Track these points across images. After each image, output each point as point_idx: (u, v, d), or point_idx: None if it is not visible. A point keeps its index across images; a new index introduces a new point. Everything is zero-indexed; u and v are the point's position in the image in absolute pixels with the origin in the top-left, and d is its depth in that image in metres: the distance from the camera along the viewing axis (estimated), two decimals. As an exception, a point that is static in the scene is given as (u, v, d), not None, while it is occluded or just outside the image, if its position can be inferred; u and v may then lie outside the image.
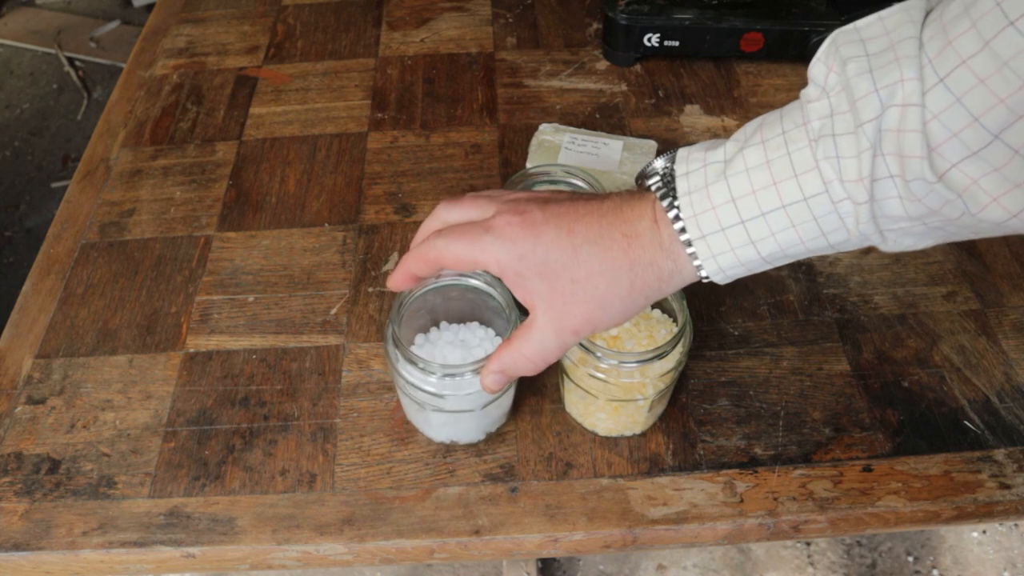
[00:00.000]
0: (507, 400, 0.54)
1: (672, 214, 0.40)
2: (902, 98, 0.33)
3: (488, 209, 0.45)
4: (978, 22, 0.31)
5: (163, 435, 0.57)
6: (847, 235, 0.38)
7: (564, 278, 0.42)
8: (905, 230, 0.37)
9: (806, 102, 0.38)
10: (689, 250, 0.40)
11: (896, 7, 0.35)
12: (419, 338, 0.55)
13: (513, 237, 0.42)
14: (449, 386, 0.49)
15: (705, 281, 0.42)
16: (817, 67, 0.37)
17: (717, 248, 0.40)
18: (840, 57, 0.36)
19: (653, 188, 0.42)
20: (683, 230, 0.40)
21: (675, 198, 0.40)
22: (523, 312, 0.46)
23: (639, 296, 0.42)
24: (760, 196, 0.38)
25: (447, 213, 0.47)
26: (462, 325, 0.55)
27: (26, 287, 0.67)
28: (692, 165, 0.41)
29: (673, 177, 0.41)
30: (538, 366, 0.45)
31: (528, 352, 0.44)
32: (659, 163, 0.42)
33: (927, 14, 0.35)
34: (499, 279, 0.51)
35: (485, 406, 0.51)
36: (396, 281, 0.48)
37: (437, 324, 0.56)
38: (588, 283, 0.41)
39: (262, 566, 0.53)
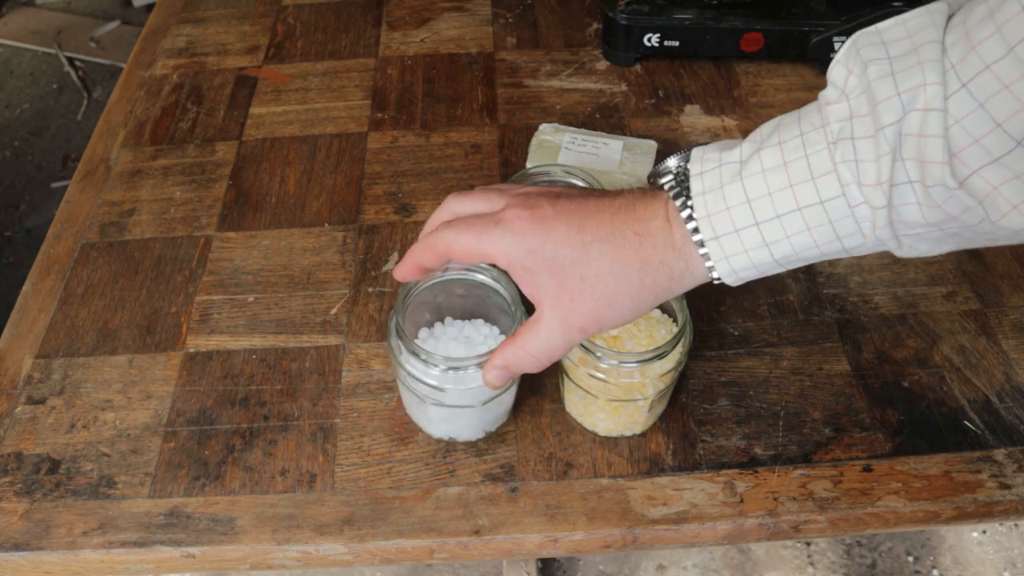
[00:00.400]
0: (508, 398, 0.54)
1: (685, 214, 0.40)
2: (924, 102, 0.33)
3: (498, 202, 0.44)
4: (1003, 27, 0.31)
5: (163, 435, 0.57)
6: (863, 240, 0.38)
7: (573, 275, 0.41)
8: (922, 236, 0.37)
9: (825, 104, 0.37)
10: (701, 251, 0.40)
11: (918, 10, 0.35)
12: (423, 332, 0.55)
13: (523, 231, 0.42)
14: (451, 379, 0.49)
15: (716, 282, 0.41)
16: (837, 69, 0.37)
17: (730, 249, 0.39)
18: (861, 59, 0.35)
19: (666, 187, 0.41)
20: (696, 230, 0.40)
21: (688, 198, 0.40)
22: (529, 309, 0.46)
23: (649, 295, 0.42)
24: (776, 198, 0.38)
25: (457, 205, 0.46)
26: (466, 322, 0.55)
27: (26, 287, 0.67)
28: (707, 165, 0.40)
29: (687, 176, 0.41)
30: (542, 363, 0.44)
31: (533, 349, 0.44)
32: (672, 162, 0.42)
33: (950, 18, 0.34)
34: (506, 274, 0.51)
35: (486, 402, 0.51)
36: (403, 271, 0.48)
37: (441, 320, 0.56)
38: (598, 280, 0.41)
39: (262, 566, 0.53)
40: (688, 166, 0.41)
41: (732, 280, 0.41)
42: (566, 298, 0.42)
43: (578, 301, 0.42)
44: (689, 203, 0.40)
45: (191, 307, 0.65)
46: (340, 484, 0.54)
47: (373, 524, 0.52)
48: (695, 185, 0.40)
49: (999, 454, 0.54)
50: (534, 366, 0.45)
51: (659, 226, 0.41)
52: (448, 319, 0.56)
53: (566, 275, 0.41)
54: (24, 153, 2.13)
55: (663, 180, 0.42)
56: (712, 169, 0.40)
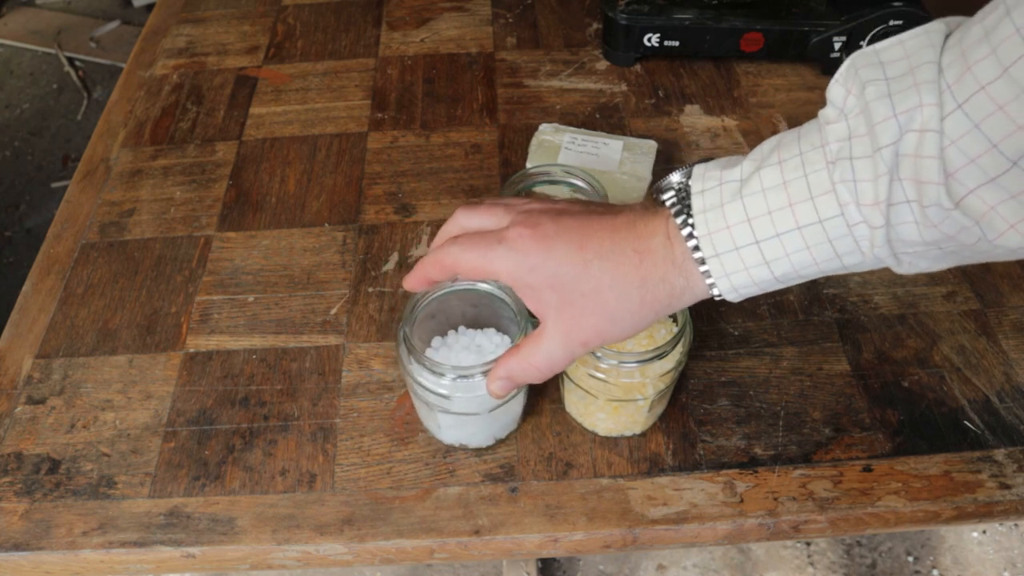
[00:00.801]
0: (517, 405, 0.54)
1: (686, 232, 0.40)
2: (920, 123, 0.33)
3: (503, 219, 0.45)
4: (998, 48, 0.31)
5: (163, 435, 0.57)
6: (861, 258, 0.38)
7: (574, 291, 0.42)
8: (920, 254, 0.37)
9: (824, 123, 0.38)
10: (702, 268, 0.40)
11: (916, 30, 0.35)
12: (435, 341, 0.55)
13: (524, 250, 0.43)
14: (460, 387, 0.49)
15: (717, 298, 0.42)
16: (836, 88, 0.37)
17: (731, 267, 0.40)
18: (859, 80, 0.36)
19: (668, 204, 0.42)
20: (696, 248, 0.40)
21: (690, 215, 0.41)
22: (535, 320, 0.46)
23: (649, 311, 0.42)
24: (775, 217, 0.38)
25: (465, 219, 0.48)
26: (477, 331, 0.55)
27: (26, 287, 0.67)
28: (708, 183, 0.41)
29: (688, 194, 0.41)
30: (544, 375, 0.45)
31: (536, 360, 0.45)
32: (675, 177, 0.43)
33: (947, 38, 0.34)
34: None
35: (492, 410, 0.51)
36: (412, 282, 0.49)
37: (455, 328, 0.56)
38: (598, 297, 0.42)
39: (262, 566, 0.53)
40: (689, 183, 0.42)
41: (733, 296, 0.41)
42: (568, 313, 0.43)
43: (579, 316, 0.43)
44: (690, 221, 0.40)
45: (191, 307, 0.65)
46: (340, 484, 0.54)
47: (373, 524, 0.52)
48: (696, 203, 0.40)
49: (999, 454, 0.54)
50: (536, 377, 0.46)
51: (660, 243, 0.41)
52: (461, 328, 0.56)
53: (567, 291, 0.42)
54: (24, 153, 2.13)
55: (665, 196, 0.42)
56: (713, 187, 0.40)
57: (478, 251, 0.44)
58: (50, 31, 2.47)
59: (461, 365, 0.50)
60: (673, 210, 0.41)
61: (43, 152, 2.13)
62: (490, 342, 0.55)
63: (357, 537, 0.52)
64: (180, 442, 0.57)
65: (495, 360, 0.48)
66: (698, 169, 0.42)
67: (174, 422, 0.58)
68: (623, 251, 0.42)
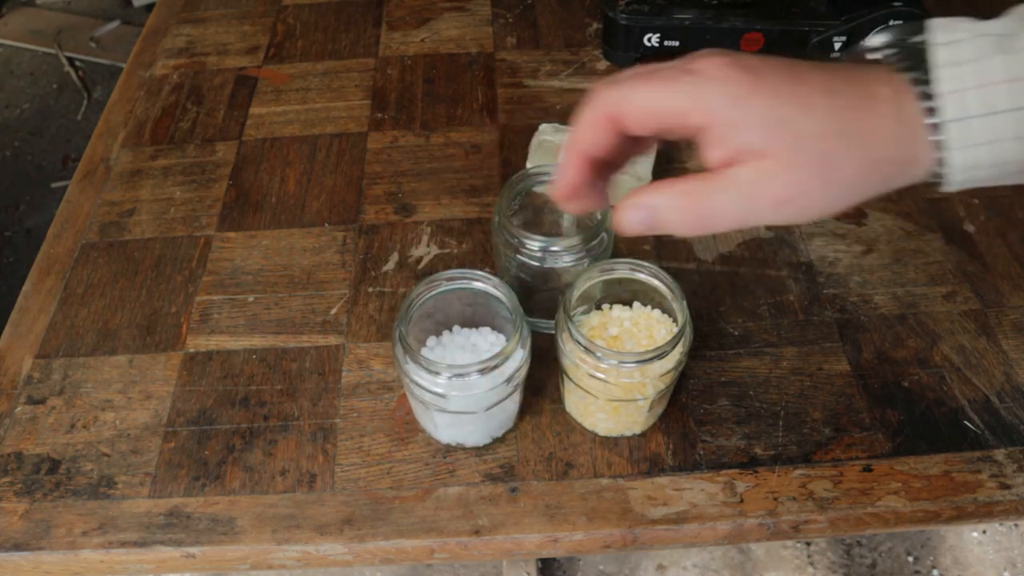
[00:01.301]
0: (512, 404, 0.54)
1: (919, 89, 0.33)
2: None
3: (676, 63, 0.36)
4: None
5: (163, 435, 0.57)
6: None
7: (787, 131, 0.33)
8: None
9: None
10: (935, 136, 0.33)
11: None
12: (431, 340, 0.55)
13: (726, 78, 0.34)
14: (455, 386, 0.49)
15: (934, 179, 0.35)
16: None
17: (978, 136, 0.33)
18: None
19: (887, 60, 0.34)
20: (932, 110, 0.33)
21: (925, 71, 0.33)
22: (531, 318, 0.46)
23: (874, 176, 0.34)
24: None
25: (620, 74, 0.37)
26: (473, 330, 0.56)
27: (26, 287, 0.67)
28: (957, 34, 0.33)
29: (918, 49, 0.34)
30: (693, 229, 0.36)
31: (698, 207, 0.35)
32: (879, 39, 0.36)
33: None
34: (504, 282, 0.51)
35: (489, 408, 0.51)
36: (567, 173, 0.38)
37: (450, 327, 0.56)
38: (814, 143, 0.33)
39: (262, 566, 0.53)
40: (919, 38, 0.34)
41: (958, 179, 0.34)
42: (770, 161, 0.34)
43: (783, 166, 0.34)
44: (927, 77, 0.33)
45: (191, 307, 0.65)
46: (340, 484, 0.54)
47: (373, 524, 0.52)
48: (941, 55, 0.33)
49: (999, 454, 0.54)
50: (682, 226, 0.36)
51: (888, 95, 0.34)
52: (456, 327, 0.56)
53: (778, 132, 0.34)
54: (24, 153, 2.13)
55: (882, 53, 0.35)
56: (964, 40, 0.33)
57: (658, 84, 0.35)
58: (50, 31, 2.47)
59: (456, 364, 0.50)
60: (901, 65, 0.34)
61: (43, 152, 2.13)
62: (485, 341, 0.55)
63: (357, 537, 0.52)
64: (180, 442, 0.57)
65: (490, 359, 0.48)
66: (938, 21, 0.34)
67: (174, 422, 0.58)
68: (847, 93, 0.34)
